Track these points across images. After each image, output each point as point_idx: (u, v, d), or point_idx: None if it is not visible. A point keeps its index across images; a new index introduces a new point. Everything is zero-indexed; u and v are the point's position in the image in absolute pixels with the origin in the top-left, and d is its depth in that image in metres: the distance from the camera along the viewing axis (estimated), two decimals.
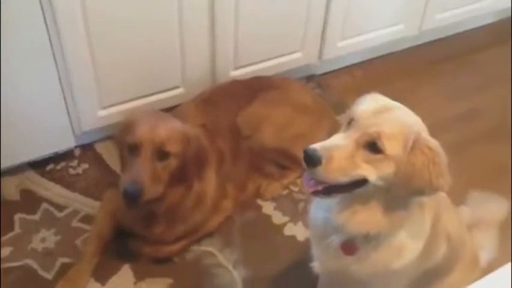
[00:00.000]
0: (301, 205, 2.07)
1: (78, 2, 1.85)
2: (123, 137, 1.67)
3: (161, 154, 1.62)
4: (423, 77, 2.78)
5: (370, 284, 1.33)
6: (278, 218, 2.04)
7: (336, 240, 1.25)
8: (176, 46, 2.15)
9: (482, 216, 1.80)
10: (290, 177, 2.13)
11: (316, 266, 1.42)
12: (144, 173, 1.59)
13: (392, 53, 2.88)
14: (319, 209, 1.30)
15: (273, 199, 2.10)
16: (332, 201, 1.20)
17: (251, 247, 1.93)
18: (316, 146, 1.09)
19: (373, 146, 1.08)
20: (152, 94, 2.25)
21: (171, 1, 2.02)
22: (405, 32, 2.77)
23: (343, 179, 1.10)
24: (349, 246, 1.25)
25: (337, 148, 1.09)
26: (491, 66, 2.89)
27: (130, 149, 1.63)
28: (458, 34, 3.06)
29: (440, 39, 3.00)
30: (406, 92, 2.58)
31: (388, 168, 1.09)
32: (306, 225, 1.82)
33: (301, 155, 1.10)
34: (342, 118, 1.18)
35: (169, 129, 1.65)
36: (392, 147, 1.08)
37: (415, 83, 2.73)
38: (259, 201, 2.09)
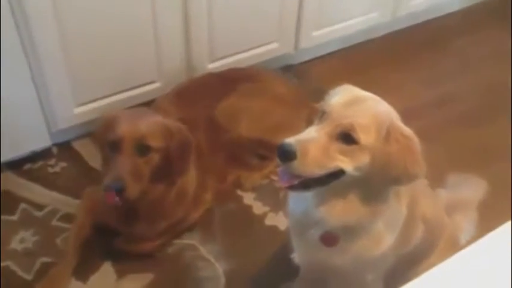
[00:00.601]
0: (281, 194, 2.07)
1: None
2: (103, 135, 1.65)
3: (143, 149, 1.61)
4: (399, 64, 2.80)
5: (351, 272, 1.34)
6: (259, 208, 2.05)
7: (316, 232, 1.26)
8: (150, 39, 2.14)
9: (461, 198, 1.83)
10: (270, 166, 2.14)
11: (296, 257, 1.43)
12: (126, 170, 1.57)
13: (367, 41, 2.89)
14: (298, 202, 1.30)
15: (254, 189, 2.11)
16: (310, 194, 1.21)
17: (233, 238, 1.94)
18: (290, 140, 1.08)
19: (347, 137, 1.08)
20: (128, 89, 2.23)
21: None
22: (379, 19, 2.78)
23: (319, 171, 1.10)
24: (329, 238, 1.25)
25: (311, 141, 1.09)
26: (465, 50, 2.93)
27: (111, 146, 1.62)
28: (431, 20, 3.09)
29: (414, 26, 3.03)
30: (382, 78, 2.61)
31: (363, 159, 1.09)
32: (287, 214, 1.82)
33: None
34: (320, 106, 1.18)
35: (150, 124, 1.64)
36: (366, 137, 1.08)
37: (391, 69, 2.75)
38: (240, 192, 2.10)
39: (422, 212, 1.35)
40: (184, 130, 1.72)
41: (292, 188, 1.14)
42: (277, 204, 2.05)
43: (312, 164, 1.08)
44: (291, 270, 1.64)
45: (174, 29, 2.17)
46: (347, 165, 1.10)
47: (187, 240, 1.92)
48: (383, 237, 1.26)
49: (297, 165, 1.08)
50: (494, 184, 1.96)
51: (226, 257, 1.87)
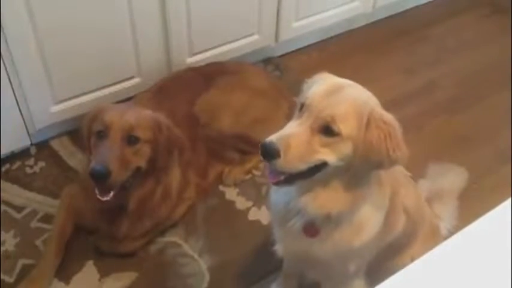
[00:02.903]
0: (264, 189, 2.07)
1: None
2: (91, 125, 1.65)
3: (131, 138, 1.61)
4: (380, 54, 2.80)
5: (334, 262, 1.34)
6: (242, 203, 2.04)
7: (297, 223, 1.26)
8: (127, 34, 2.10)
9: (443, 187, 1.84)
10: (252, 161, 2.13)
11: (279, 249, 1.43)
12: (112, 155, 1.56)
13: (348, 32, 2.89)
14: (280, 193, 1.30)
15: (236, 185, 2.09)
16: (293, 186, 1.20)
17: (216, 234, 1.93)
18: (272, 138, 1.08)
19: (328, 130, 1.08)
20: (107, 86, 2.20)
21: None
22: (360, 10, 2.78)
23: (303, 166, 1.10)
24: (311, 229, 1.25)
25: (293, 137, 1.08)
26: (444, 39, 2.94)
27: (99, 135, 1.61)
28: (411, 9, 3.09)
29: (394, 16, 3.03)
30: (364, 69, 2.61)
31: (346, 149, 1.09)
32: (269, 206, 1.81)
33: (260, 139, 1.09)
34: (299, 98, 1.17)
35: (138, 115, 1.65)
36: (347, 128, 1.08)
37: (372, 60, 2.75)
38: (222, 188, 2.08)
39: (404, 203, 1.36)
40: (173, 127, 1.73)
41: (278, 183, 1.15)
42: (260, 199, 2.04)
43: (296, 160, 1.08)
44: (274, 264, 1.64)
45: (151, 22, 2.14)
46: (330, 157, 1.10)
47: (170, 237, 1.91)
48: (365, 227, 1.26)
49: (281, 162, 1.08)
50: (474, 172, 1.98)
51: (210, 252, 1.86)
